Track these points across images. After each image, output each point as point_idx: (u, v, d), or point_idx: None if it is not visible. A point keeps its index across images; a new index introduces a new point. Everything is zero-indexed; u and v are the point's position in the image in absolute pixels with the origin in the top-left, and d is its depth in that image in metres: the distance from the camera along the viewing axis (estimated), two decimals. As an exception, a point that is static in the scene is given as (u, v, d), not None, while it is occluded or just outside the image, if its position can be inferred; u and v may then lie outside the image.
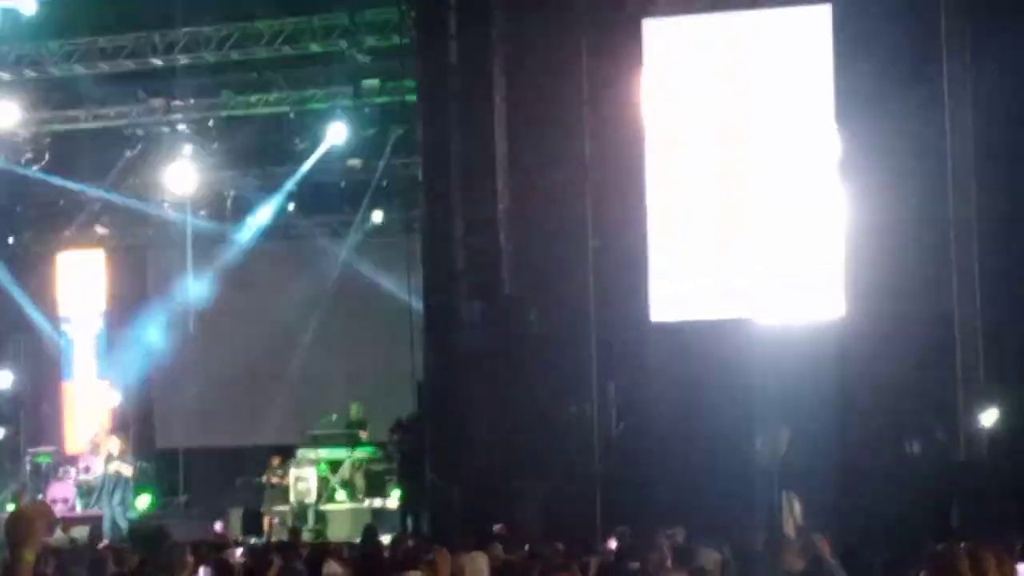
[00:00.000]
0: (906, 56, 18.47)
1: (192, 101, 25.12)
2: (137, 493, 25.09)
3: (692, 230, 19.50)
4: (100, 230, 28.58)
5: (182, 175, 26.24)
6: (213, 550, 14.40)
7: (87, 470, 25.54)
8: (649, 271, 19.53)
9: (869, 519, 16.75)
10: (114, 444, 24.21)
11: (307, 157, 25.25)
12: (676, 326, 19.47)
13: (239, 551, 14.16)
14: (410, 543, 14.01)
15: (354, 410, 24.86)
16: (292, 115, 24.72)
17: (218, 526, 22.84)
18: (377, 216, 26.63)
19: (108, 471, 23.92)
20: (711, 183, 19.45)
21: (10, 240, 28.08)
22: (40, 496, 25.00)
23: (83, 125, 25.86)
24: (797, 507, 18.17)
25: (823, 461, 18.23)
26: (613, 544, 14.49)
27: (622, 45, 19.65)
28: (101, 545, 20.86)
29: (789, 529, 17.87)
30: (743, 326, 19.18)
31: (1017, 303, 18.33)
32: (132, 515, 23.85)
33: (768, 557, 11.09)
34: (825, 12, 18.93)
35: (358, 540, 16.70)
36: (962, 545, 8.89)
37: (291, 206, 27.18)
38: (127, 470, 23.86)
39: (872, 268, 18.62)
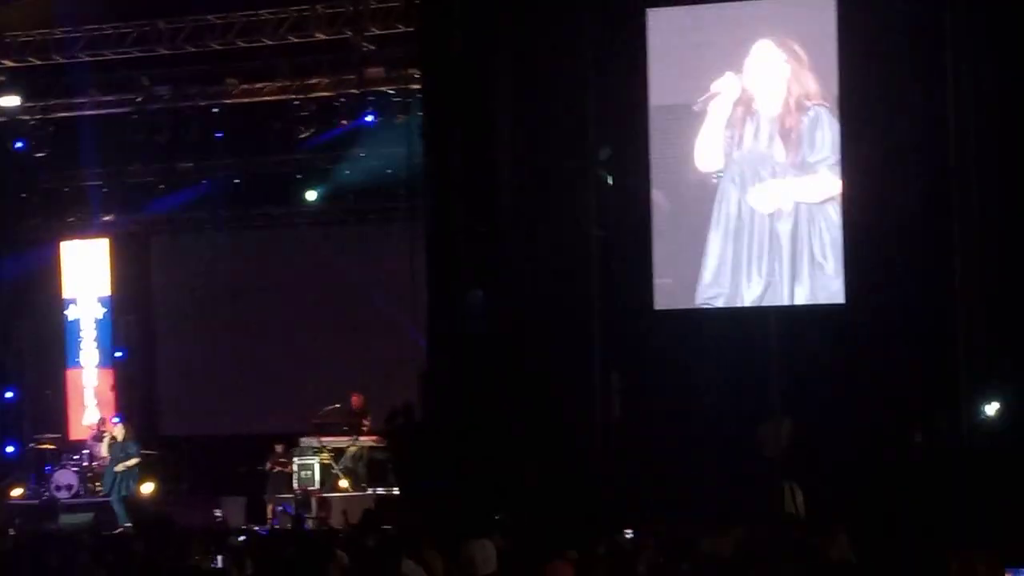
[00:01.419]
0: (909, 44, 18.44)
1: (197, 89, 25.10)
2: (141, 480, 25.12)
3: (695, 218, 19.50)
4: (105, 217, 28.57)
5: (186, 162, 26.30)
6: (222, 538, 14.45)
7: (91, 457, 25.57)
8: (653, 260, 19.53)
9: (871, 509, 16.77)
10: (118, 431, 24.23)
11: (311, 145, 25.21)
12: (678, 314, 19.47)
13: (241, 539, 14.17)
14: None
15: (356, 399, 24.87)
16: (296, 103, 24.67)
17: (218, 513, 22.90)
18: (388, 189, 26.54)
19: (113, 459, 23.96)
20: (715, 172, 19.44)
21: (15, 227, 28.04)
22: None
23: (88, 112, 25.85)
24: (799, 497, 18.19)
25: (825, 451, 18.25)
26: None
27: (627, 34, 19.64)
28: (116, 531, 21.02)
29: (790, 518, 17.90)
30: (745, 314, 19.19)
31: (1022, 290, 18.30)
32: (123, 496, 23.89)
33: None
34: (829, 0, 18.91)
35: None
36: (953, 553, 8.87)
37: (303, 194, 27.15)
38: (132, 460, 23.91)
39: (873, 255, 18.61)
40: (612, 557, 11.77)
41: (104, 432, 25.07)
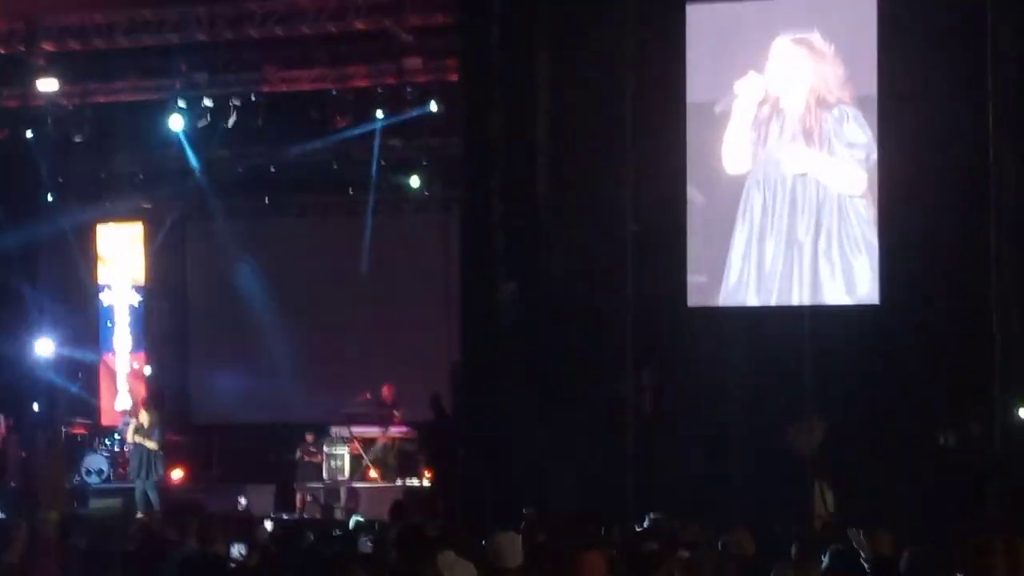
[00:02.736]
0: (949, 38, 18.32)
1: (235, 76, 25.11)
2: (171, 467, 25.19)
3: (727, 216, 19.43)
4: (140, 203, 28.64)
5: (223, 149, 26.36)
6: (244, 526, 14.44)
7: (121, 442, 25.64)
8: (687, 256, 19.47)
9: (902, 511, 16.69)
10: (144, 417, 24.26)
11: (347, 133, 25.19)
12: (712, 312, 19.41)
13: (269, 526, 14.17)
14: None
15: (387, 390, 24.88)
16: (334, 92, 24.66)
17: (242, 501, 22.93)
18: (414, 182, 26.54)
19: (135, 443, 24.00)
20: (751, 169, 19.37)
21: (50, 211, 28.11)
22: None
23: (125, 97, 25.89)
24: (829, 497, 18.13)
25: (857, 451, 18.18)
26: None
27: (666, 30, 19.57)
28: (138, 517, 21.03)
29: (820, 520, 17.85)
30: (777, 313, 19.12)
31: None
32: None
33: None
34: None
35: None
36: (998, 537, 8.79)
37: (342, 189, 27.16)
38: (151, 444, 23.87)
39: (908, 255, 18.51)
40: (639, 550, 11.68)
41: (133, 418, 25.14)
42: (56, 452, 25.00)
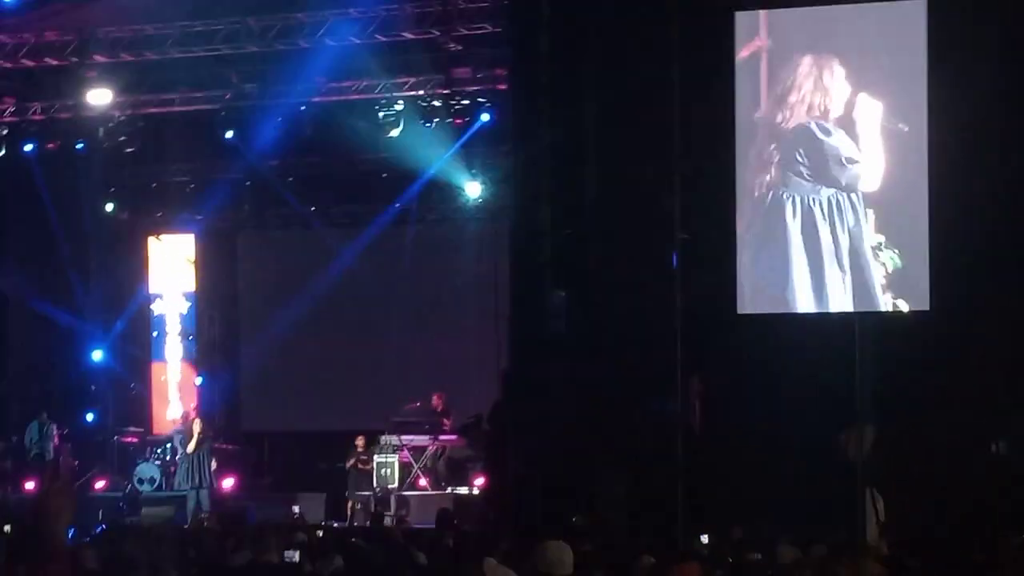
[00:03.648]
0: (998, 50, 18.26)
1: (285, 87, 25.23)
2: (222, 476, 25.35)
3: (779, 222, 19.38)
4: (192, 213, 28.81)
5: (273, 160, 26.51)
6: (294, 532, 14.52)
7: (173, 451, 25.81)
8: (736, 263, 19.43)
9: (953, 521, 16.62)
10: (196, 426, 24.44)
11: (393, 143, 25.23)
12: (762, 319, 19.37)
13: (319, 534, 14.24)
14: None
15: (437, 398, 24.95)
16: (383, 101, 24.75)
17: (296, 509, 23.04)
18: (474, 190, 26.60)
19: (187, 452, 24.20)
20: (800, 175, 19.32)
21: (102, 222, 28.32)
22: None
23: (177, 108, 26.06)
24: (880, 506, 18.05)
25: (908, 460, 18.10)
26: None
27: (714, 37, 19.54)
28: (187, 525, 21.19)
29: (872, 528, 17.78)
30: (828, 320, 19.06)
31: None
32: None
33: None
34: (920, 5, 18.72)
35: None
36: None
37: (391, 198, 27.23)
38: (196, 449, 24.12)
39: (959, 261, 18.43)
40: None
41: (185, 427, 25.33)
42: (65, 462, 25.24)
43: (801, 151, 19.30)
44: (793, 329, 19.03)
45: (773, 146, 19.39)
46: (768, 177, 19.43)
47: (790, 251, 19.27)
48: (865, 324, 18.61)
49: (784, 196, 19.38)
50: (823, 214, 19.17)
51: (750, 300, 19.44)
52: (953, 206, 18.48)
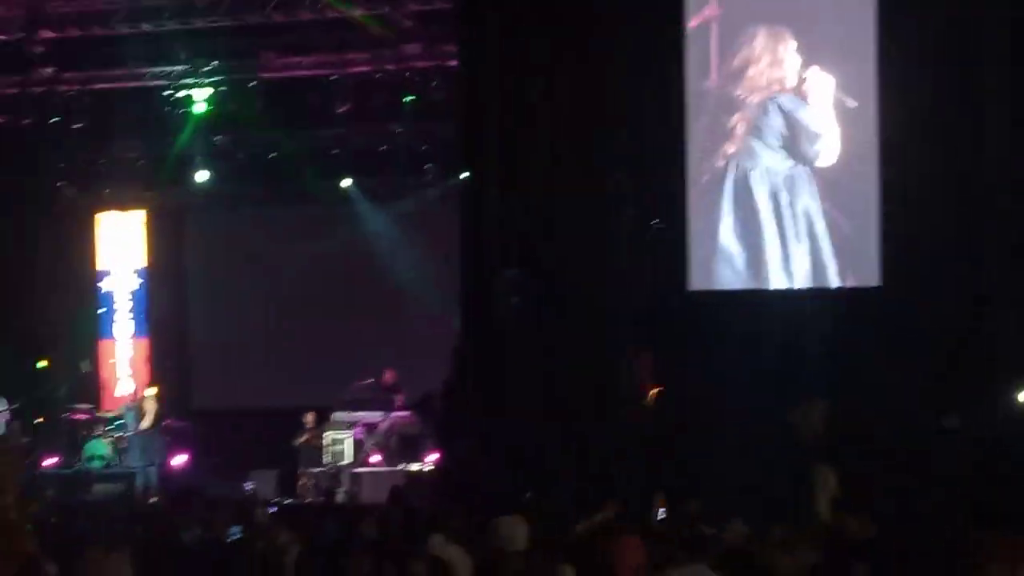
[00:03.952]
0: (946, 23, 18.30)
1: (234, 62, 25.11)
2: (172, 453, 25.27)
3: (730, 199, 19.41)
4: (139, 190, 28.62)
5: (223, 136, 26.39)
6: (244, 509, 14.50)
7: (123, 427, 25.70)
8: (687, 240, 19.45)
9: (904, 496, 16.69)
10: (150, 403, 24.38)
11: (348, 120, 25.16)
12: (713, 295, 19.40)
13: (269, 510, 14.22)
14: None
15: (389, 374, 24.91)
16: (333, 78, 24.64)
17: (248, 486, 22.99)
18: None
19: (142, 429, 24.16)
20: (750, 150, 19.34)
21: (51, 198, 28.14)
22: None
23: (126, 84, 25.89)
24: (832, 482, 18.10)
25: (859, 436, 18.15)
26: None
27: (663, 6, 19.52)
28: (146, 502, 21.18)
29: (823, 504, 17.82)
30: (780, 296, 19.11)
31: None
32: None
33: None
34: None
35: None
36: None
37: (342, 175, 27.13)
38: (147, 426, 24.12)
39: (908, 236, 18.49)
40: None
41: (135, 404, 25.29)
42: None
43: (765, 124, 19.32)
44: (744, 306, 19.09)
45: (731, 118, 19.40)
46: (724, 150, 19.45)
47: (742, 227, 19.34)
48: (816, 300, 18.70)
49: (739, 170, 19.43)
50: (779, 188, 19.22)
51: (701, 277, 19.47)
52: (902, 182, 18.55)
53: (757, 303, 19.15)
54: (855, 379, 18.30)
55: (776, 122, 19.31)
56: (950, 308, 18.35)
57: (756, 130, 19.36)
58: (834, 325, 18.49)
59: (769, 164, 19.29)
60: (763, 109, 19.33)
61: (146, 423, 24.62)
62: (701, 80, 19.53)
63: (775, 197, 19.22)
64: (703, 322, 19.16)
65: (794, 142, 19.23)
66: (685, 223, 19.50)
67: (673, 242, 19.46)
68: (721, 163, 19.50)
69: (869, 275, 18.85)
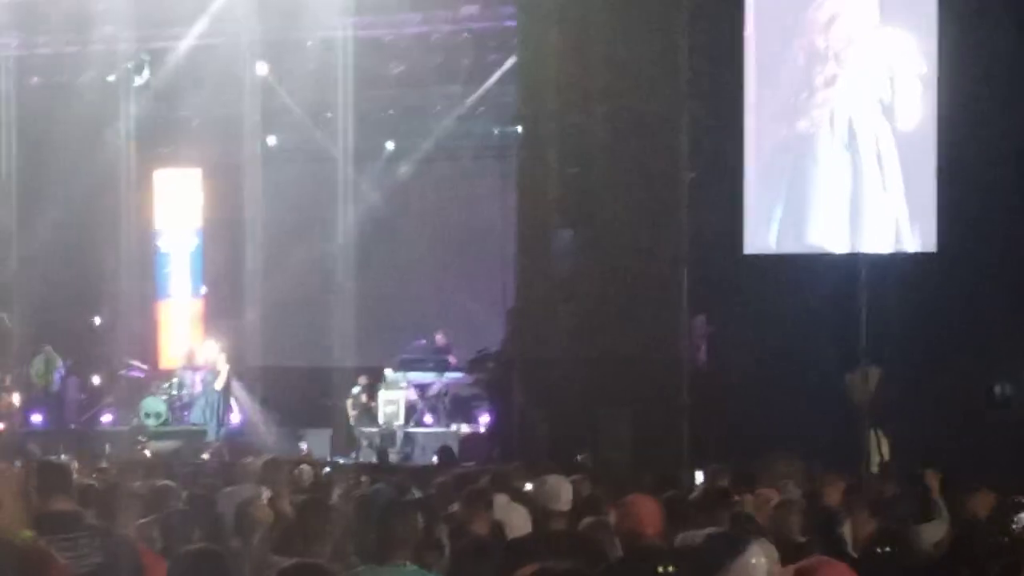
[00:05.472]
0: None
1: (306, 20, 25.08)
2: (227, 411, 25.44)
3: (787, 163, 19.33)
4: (198, 149, 28.69)
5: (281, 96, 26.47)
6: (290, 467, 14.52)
7: (180, 386, 25.84)
8: (744, 204, 19.39)
9: (956, 461, 16.64)
10: (222, 363, 24.66)
11: (393, 81, 25.12)
12: (768, 259, 19.35)
13: (308, 469, 14.20)
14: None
15: (441, 336, 24.97)
16: (389, 38, 24.62)
17: (303, 446, 23.10)
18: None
19: (215, 389, 24.42)
20: (808, 116, 19.25)
21: (109, 156, 28.25)
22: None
23: (183, 43, 25.94)
24: (885, 446, 18.10)
25: (913, 400, 18.12)
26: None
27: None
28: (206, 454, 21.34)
29: (875, 467, 17.82)
30: (836, 260, 19.04)
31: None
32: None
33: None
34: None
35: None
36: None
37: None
38: (219, 384, 24.33)
39: (966, 202, 18.38)
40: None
41: (194, 361, 25.47)
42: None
43: (809, 90, 19.22)
44: (800, 270, 19.03)
45: (782, 86, 19.31)
46: (776, 119, 19.36)
47: (798, 192, 19.25)
48: (872, 265, 18.62)
49: (791, 138, 19.33)
50: (830, 156, 19.12)
51: (757, 240, 19.42)
52: (962, 148, 18.44)
53: (812, 267, 19.09)
54: (909, 346, 18.25)
55: (835, 90, 19.22)
56: (1005, 276, 18.26)
57: (823, 97, 19.26)
58: (889, 290, 18.42)
59: (828, 130, 19.20)
60: (821, 80, 19.24)
61: (219, 383, 24.84)
62: (759, 45, 19.44)
63: (832, 163, 19.14)
64: (758, 286, 19.12)
65: (878, 106, 19.09)
66: (741, 187, 19.43)
67: (728, 206, 19.41)
68: (776, 128, 19.42)
69: (926, 241, 18.76)
